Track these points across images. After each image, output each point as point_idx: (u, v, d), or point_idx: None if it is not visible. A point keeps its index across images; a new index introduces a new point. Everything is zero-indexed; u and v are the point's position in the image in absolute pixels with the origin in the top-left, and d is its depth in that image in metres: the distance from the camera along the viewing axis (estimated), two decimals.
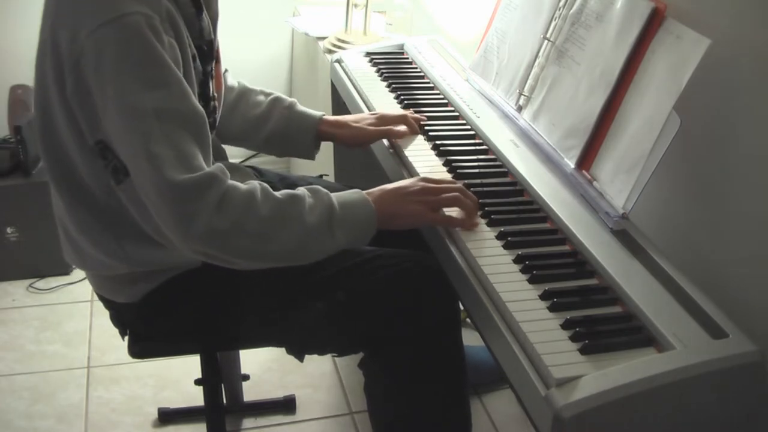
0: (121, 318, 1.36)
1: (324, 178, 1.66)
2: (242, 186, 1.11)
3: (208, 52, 1.22)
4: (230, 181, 1.10)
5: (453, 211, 1.19)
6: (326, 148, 1.53)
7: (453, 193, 1.18)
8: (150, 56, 1.04)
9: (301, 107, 1.49)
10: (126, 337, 1.38)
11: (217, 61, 1.32)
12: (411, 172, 1.35)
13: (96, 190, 1.18)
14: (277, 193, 1.13)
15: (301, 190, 1.15)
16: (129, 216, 1.19)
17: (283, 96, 1.50)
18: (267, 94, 1.51)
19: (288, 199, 1.12)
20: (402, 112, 1.50)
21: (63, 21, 1.07)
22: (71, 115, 1.12)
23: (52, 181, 1.23)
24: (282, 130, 1.47)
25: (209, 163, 1.11)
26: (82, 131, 1.12)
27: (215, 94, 1.29)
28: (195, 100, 1.10)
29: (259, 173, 1.52)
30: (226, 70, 1.51)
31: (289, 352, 1.35)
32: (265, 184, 1.13)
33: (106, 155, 1.12)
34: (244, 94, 1.50)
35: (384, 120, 1.46)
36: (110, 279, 1.30)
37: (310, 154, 1.50)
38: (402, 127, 1.45)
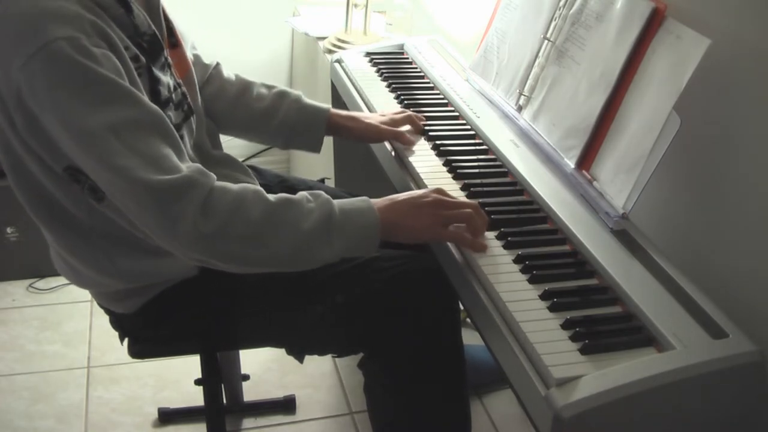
0: (120, 323, 1.36)
1: (326, 181, 1.66)
2: (232, 187, 1.07)
3: (152, 47, 1.17)
4: (218, 183, 1.06)
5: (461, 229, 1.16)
6: (327, 151, 1.52)
7: (466, 210, 1.13)
8: (85, 77, 1.01)
9: (308, 100, 1.47)
10: (125, 340, 1.38)
11: (175, 45, 1.28)
12: (411, 172, 1.35)
13: (77, 214, 1.17)
14: (272, 196, 1.09)
15: (300, 194, 1.10)
16: (116, 232, 1.18)
17: (288, 89, 1.49)
18: (269, 87, 1.49)
19: (282, 203, 1.08)
20: (406, 111, 1.49)
21: None
22: (31, 149, 1.10)
23: (32, 214, 1.20)
24: (292, 122, 1.45)
25: (184, 159, 1.08)
26: (46, 162, 1.11)
27: (179, 81, 1.25)
28: (148, 102, 1.07)
29: (258, 173, 1.52)
30: (218, 63, 1.51)
31: (289, 352, 1.35)
32: (260, 188, 1.10)
33: (78, 178, 1.11)
34: (246, 87, 1.49)
35: (392, 121, 1.45)
36: (108, 295, 1.30)
37: (317, 146, 1.48)
38: (407, 127, 1.45)
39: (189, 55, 1.36)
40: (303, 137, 1.47)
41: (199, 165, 1.07)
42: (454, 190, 1.28)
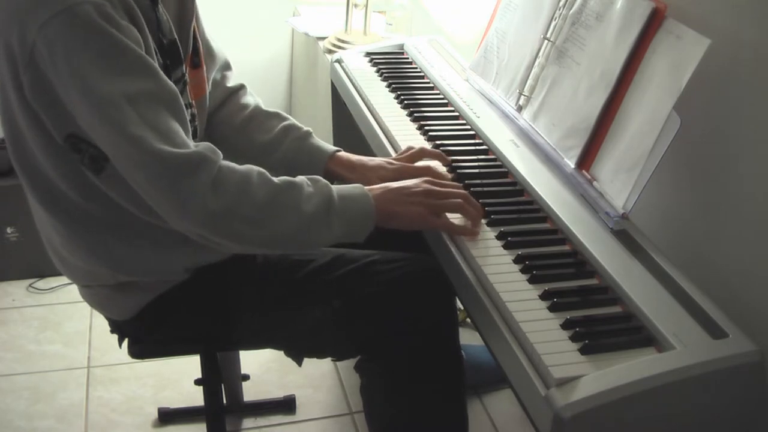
0: (119, 326, 1.35)
1: None
2: (238, 167, 1.08)
3: (170, 52, 1.17)
4: (224, 162, 1.07)
5: (456, 218, 1.18)
6: None
7: (457, 200, 1.16)
8: (107, 44, 1.01)
9: (314, 140, 1.37)
10: (124, 342, 1.38)
11: (197, 66, 1.28)
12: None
13: (73, 196, 1.15)
14: (276, 179, 1.11)
15: (300, 178, 1.12)
16: (113, 216, 1.17)
17: (298, 124, 1.39)
18: (281, 119, 1.39)
19: (285, 186, 1.10)
20: (425, 165, 1.30)
21: (10, 20, 1.02)
22: (34, 119, 1.08)
23: (29, 192, 1.20)
24: (291, 161, 1.35)
25: (190, 139, 1.08)
26: (48, 132, 1.09)
27: (191, 102, 1.25)
28: (164, 77, 1.07)
29: None
30: (241, 87, 1.45)
31: (288, 354, 1.35)
32: (263, 169, 1.11)
33: (79, 147, 1.09)
34: (255, 116, 1.41)
35: (403, 173, 1.27)
36: (101, 295, 1.28)
37: None
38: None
39: (210, 79, 1.35)
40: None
41: (208, 143, 1.08)
42: None
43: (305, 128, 1.39)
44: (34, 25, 1.00)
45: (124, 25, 1.03)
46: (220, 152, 1.08)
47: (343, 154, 1.36)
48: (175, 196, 1.04)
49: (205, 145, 1.07)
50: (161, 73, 1.07)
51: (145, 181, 1.04)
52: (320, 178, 1.14)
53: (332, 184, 1.35)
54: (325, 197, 1.11)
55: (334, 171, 1.34)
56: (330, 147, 1.37)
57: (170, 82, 1.08)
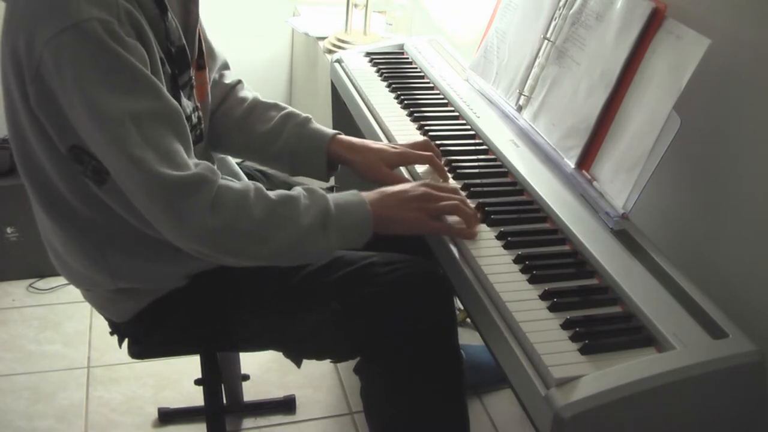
0: (118, 327, 1.35)
1: (335, 190, 1.64)
2: (235, 185, 1.09)
3: (179, 58, 1.18)
4: (222, 180, 1.09)
5: (453, 220, 1.18)
6: None
7: (453, 201, 1.16)
8: (113, 61, 1.01)
9: (314, 125, 1.38)
10: (124, 343, 1.38)
11: (202, 68, 1.28)
12: (411, 172, 1.35)
13: (75, 203, 1.16)
14: (272, 193, 1.11)
15: (296, 191, 1.13)
16: (113, 226, 1.18)
17: (297, 111, 1.40)
18: (280, 109, 1.40)
19: (282, 200, 1.11)
20: (427, 153, 1.32)
21: (19, 29, 1.03)
22: (39, 126, 1.09)
23: (32, 195, 1.20)
24: (292, 148, 1.36)
25: (191, 156, 1.09)
26: (52, 141, 1.10)
27: (197, 104, 1.25)
28: (168, 95, 1.08)
29: (266, 178, 1.52)
30: (238, 82, 1.46)
31: (287, 356, 1.35)
32: (259, 184, 1.12)
33: (82, 159, 1.10)
34: (255, 107, 1.42)
35: (402, 157, 1.32)
36: (102, 297, 1.29)
37: (322, 175, 1.37)
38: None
39: (210, 79, 1.36)
40: (305, 164, 1.37)
41: (207, 162, 1.09)
42: None
43: (304, 115, 1.40)
44: (42, 39, 1.00)
45: (130, 42, 1.04)
46: (218, 172, 1.09)
47: (343, 136, 1.36)
48: (175, 215, 1.05)
49: (204, 166, 1.08)
50: (165, 92, 1.08)
51: (146, 199, 1.05)
52: (316, 189, 1.14)
53: (336, 168, 1.39)
54: (321, 208, 1.11)
55: (337, 153, 1.35)
56: (330, 131, 1.37)
57: (174, 101, 1.09)
